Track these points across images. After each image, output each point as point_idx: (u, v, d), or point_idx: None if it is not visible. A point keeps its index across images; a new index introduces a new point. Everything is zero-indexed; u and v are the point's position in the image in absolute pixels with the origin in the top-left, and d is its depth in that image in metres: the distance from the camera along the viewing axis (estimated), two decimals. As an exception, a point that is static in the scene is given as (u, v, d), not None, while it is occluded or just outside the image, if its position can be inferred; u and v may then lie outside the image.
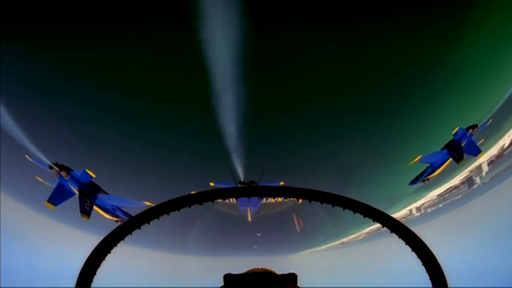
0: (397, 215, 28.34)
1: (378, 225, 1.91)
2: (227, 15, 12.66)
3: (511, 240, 26.89)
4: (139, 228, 1.86)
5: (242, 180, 17.58)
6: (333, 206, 1.90)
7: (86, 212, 14.80)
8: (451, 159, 17.77)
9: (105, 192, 15.78)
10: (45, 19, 13.77)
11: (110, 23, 14.12)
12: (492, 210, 27.55)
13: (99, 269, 1.81)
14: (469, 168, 25.80)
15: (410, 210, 30.01)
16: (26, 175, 16.11)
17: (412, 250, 1.85)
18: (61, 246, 28.88)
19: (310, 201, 1.90)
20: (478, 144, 17.46)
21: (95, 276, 1.79)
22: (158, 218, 1.86)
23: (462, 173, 26.26)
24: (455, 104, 19.05)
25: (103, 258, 1.81)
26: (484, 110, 19.50)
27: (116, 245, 1.84)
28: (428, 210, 29.65)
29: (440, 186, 27.43)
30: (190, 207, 1.88)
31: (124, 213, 17.76)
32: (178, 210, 1.88)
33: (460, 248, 27.80)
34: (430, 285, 1.84)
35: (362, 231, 33.34)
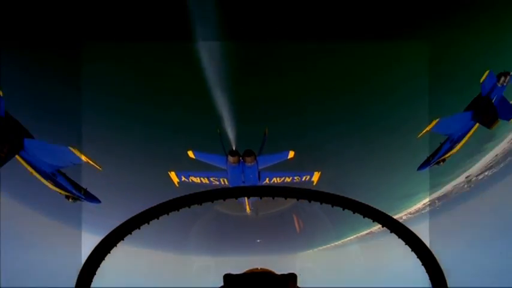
0: (399, 216, 28.16)
1: (377, 225, 1.90)
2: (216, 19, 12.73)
3: (511, 240, 26.92)
4: (139, 228, 1.87)
5: (234, 149, 13.37)
6: (332, 206, 1.90)
7: None
8: (477, 125, 12.99)
9: (30, 136, 12.25)
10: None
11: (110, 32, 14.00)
12: (492, 210, 27.55)
13: (99, 269, 1.81)
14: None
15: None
16: (25, 174, 15.63)
17: (412, 250, 1.85)
18: (60, 246, 28.89)
19: (309, 202, 1.90)
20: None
21: (95, 276, 1.80)
22: (158, 218, 1.87)
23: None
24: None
25: (103, 258, 1.82)
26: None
27: (116, 245, 1.85)
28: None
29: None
30: (189, 207, 1.89)
31: (72, 184, 14.23)
32: (178, 211, 1.88)
33: (459, 248, 27.80)
34: (430, 285, 1.84)
35: (362, 231, 33.33)
